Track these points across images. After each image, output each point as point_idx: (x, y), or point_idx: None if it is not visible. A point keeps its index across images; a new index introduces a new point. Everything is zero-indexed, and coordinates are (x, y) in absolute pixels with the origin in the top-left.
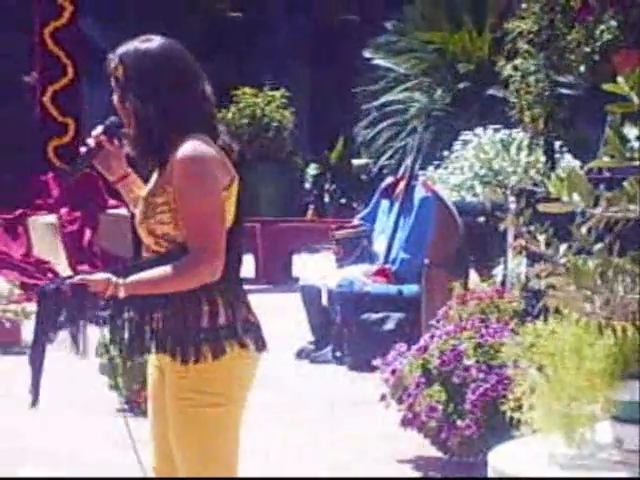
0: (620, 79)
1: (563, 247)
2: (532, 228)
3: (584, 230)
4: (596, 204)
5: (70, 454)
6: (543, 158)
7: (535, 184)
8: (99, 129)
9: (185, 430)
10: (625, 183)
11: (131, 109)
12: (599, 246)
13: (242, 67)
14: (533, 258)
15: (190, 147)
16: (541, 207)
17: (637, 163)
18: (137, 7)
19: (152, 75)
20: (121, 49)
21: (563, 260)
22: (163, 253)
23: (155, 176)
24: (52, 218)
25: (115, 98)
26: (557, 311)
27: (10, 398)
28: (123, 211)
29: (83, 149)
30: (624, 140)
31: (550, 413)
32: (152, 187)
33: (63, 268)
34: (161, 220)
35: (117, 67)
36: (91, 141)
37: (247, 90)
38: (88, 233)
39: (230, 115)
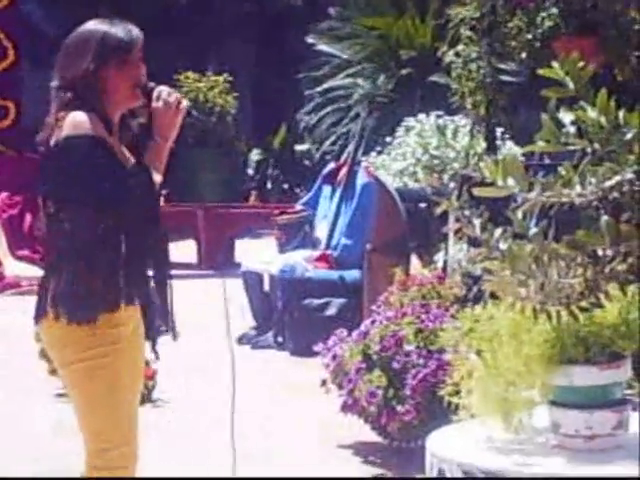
0: (555, 64)
1: (498, 231)
2: (468, 212)
3: (519, 215)
4: (531, 188)
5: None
6: (484, 144)
7: (474, 169)
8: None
9: None
10: (560, 168)
11: None
12: (534, 231)
13: (185, 51)
14: (473, 244)
15: None
16: (476, 191)
17: (572, 148)
18: None
19: None
20: (138, 30)
21: (501, 245)
22: None
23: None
24: None
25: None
26: (493, 296)
27: None
28: None
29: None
30: (559, 125)
31: (488, 398)
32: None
33: (3, 253)
34: None
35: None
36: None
37: (190, 74)
38: (29, 218)
39: None
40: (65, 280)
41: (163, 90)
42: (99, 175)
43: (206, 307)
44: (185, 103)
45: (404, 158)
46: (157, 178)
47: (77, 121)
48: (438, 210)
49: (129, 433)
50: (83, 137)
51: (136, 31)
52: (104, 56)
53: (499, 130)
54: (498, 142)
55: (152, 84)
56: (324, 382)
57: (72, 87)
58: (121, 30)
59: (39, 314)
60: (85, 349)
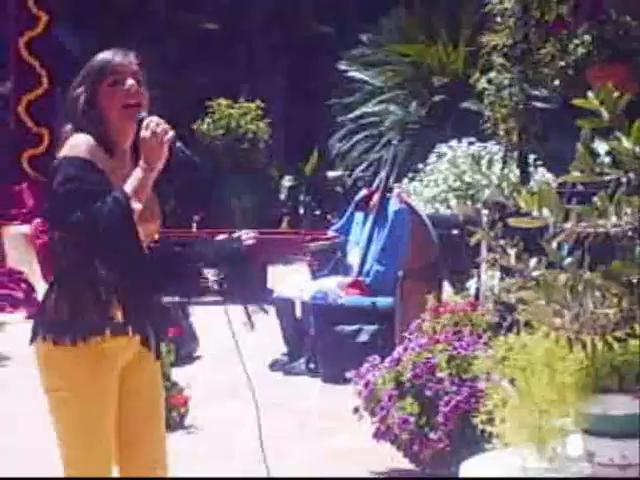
0: (590, 94)
1: (533, 261)
2: (503, 242)
3: (554, 244)
4: (566, 218)
5: (40, 452)
6: (517, 171)
7: (507, 197)
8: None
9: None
10: (595, 198)
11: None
12: (569, 260)
13: (218, 78)
14: (506, 272)
15: None
16: (512, 221)
17: (607, 178)
18: (113, 17)
19: None
20: (133, 53)
21: (535, 274)
22: None
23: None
24: (26, 228)
25: (143, 93)
26: (528, 324)
27: None
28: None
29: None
30: (594, 155)
31: (522, 426)
32: (150, 184)
33: (37, 278)
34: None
35: (142, 68)
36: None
37: (222, 101)
38: None
39: (205, 126)
40: (51, 301)
41: (152, 120)
42: (74, 199)
43: (239, 334)
44: (171, 134)
45: (436, 184)
46: (136, 206)
47: (73, 143)
48: (473, 240)
49: (102, 470)
50: (74, 159)
51: (121, 55)
52: (95, 78)
53: (531, 157)
54: (530, 169)
55: (143, 114)
56: (356, 409)
57: (77, 109)
58: (109, 54)
59: (32, 334)
60: (62, 376)
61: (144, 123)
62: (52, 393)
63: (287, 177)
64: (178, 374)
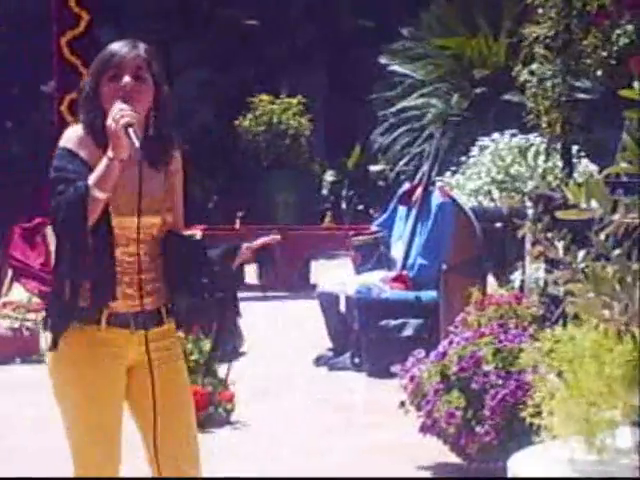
0: (636, 84)
1: (581, 253)
2: (550, 234)
3: (602, 236)
4: (614, 210)
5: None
6: (560, 163)
7: (552, 190)
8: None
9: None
10: None
11: (157, 100)
12: (617, 252)
13: (259, 74)
14: (552, 264)
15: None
16: (559, 214)
17: None
18: (155, 15)
19: None
20: (143, 46)
21: (582, 266)
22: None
23: (146, 168)
24: None
25: (143, 89)
26: (576, 317)
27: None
28: None
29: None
30: None
31: (570, 419)
32: (157, 179)
33: None
34: (168, 208)
35: (151, 62)
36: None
37: (264, 97)
38: None
39: (247, 122)
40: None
41: (116, 107)
42: (53, 188)
43: (284, 330)
44: (124, 120)
45: (479, 177)
46: (99, 195)
47: (66, 134)
48: (520, 233)
49: (107, 459)
50: (60, 149)
51: (128, 48)
52: (98, 71)
53: (574, 148)
54: (574, 160)
55: (118, 101)
56: (402, 403)
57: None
58: (116, 46)
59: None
60: (62, 364)
61: (110, 110)
62: (52, 382)
63: (329, 172)
64: (224, 370)
